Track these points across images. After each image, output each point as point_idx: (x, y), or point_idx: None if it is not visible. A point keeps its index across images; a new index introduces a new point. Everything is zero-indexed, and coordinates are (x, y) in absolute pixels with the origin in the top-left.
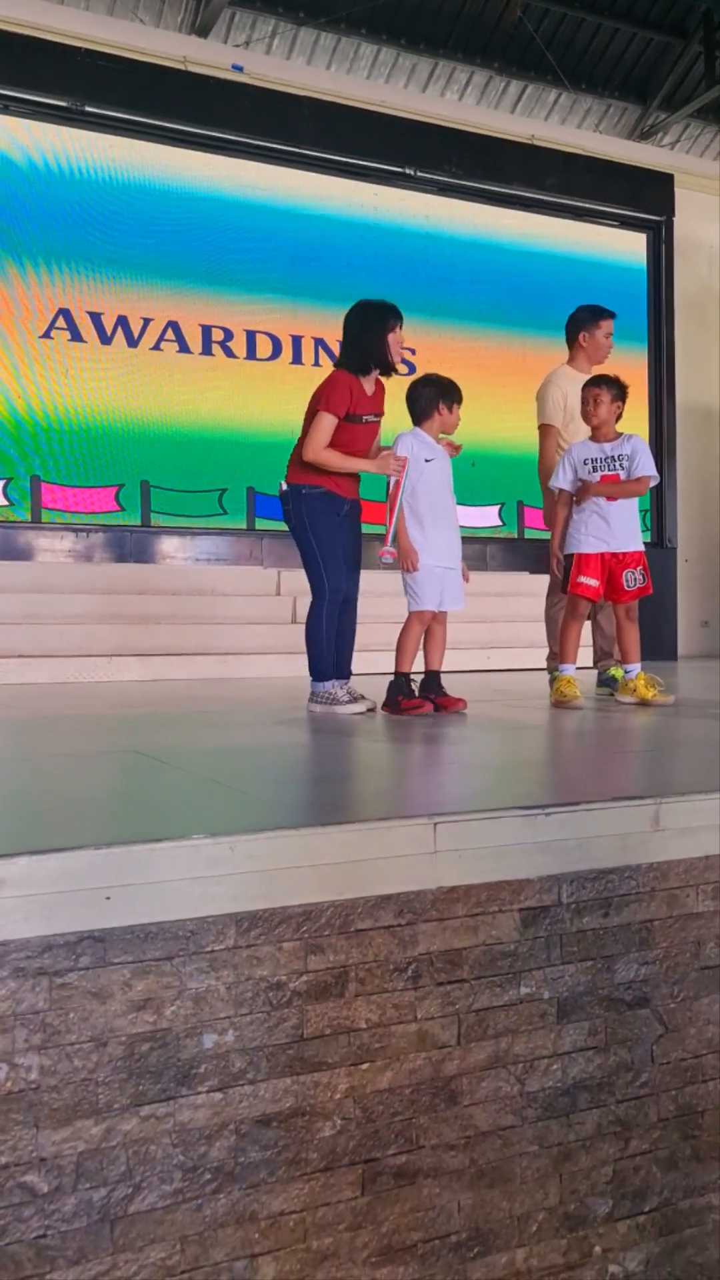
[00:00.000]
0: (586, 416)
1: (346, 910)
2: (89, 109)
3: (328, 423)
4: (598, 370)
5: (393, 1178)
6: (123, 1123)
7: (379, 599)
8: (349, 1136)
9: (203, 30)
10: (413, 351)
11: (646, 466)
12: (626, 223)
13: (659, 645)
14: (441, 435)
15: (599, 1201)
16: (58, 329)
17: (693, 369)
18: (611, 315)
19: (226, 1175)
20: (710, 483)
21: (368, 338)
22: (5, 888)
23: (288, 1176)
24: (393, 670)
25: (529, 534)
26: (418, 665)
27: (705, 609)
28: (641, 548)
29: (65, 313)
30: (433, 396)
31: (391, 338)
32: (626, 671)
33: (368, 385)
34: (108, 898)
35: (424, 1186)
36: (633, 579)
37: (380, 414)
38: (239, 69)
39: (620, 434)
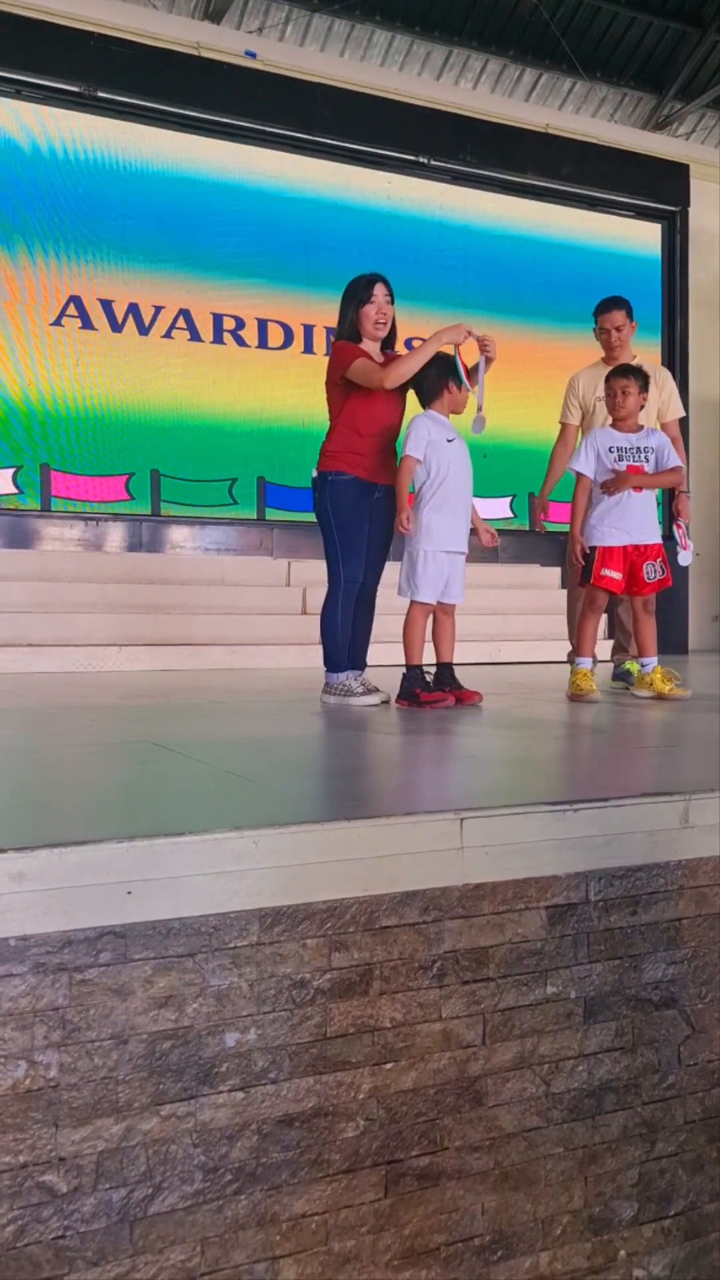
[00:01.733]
0: (614, 408)
1: (371, 907)
2: (101, 94)
3: (362, 364)
4: (617, 362)
5: (416, 1179)
6: (143, 1122)
7: (394, 588)
8: (372, 1137)
9: (216, 16)
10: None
11: (675, 458)
12: (641, 213)
13: (669, 639)
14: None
15: (624, 1205)
16: (69, 316)
17: (706, 360)
18: (614, 307)
19: (248, 1176)
20: None
21: (344, 312)
22: (25, 881)
23: (310, 1178)
24: (403, 663)
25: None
26: (428, 658)
27: (716, 603)
28: (660, 539)
29: (76, 300)
30: (439, 375)
31: (366, 309)
32: (643, 665)
33: (373, 355)
34: (129, 892)
35: (447, 1188)
36: (653, 571)
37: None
38: (252, 55)
39: (643, 426)
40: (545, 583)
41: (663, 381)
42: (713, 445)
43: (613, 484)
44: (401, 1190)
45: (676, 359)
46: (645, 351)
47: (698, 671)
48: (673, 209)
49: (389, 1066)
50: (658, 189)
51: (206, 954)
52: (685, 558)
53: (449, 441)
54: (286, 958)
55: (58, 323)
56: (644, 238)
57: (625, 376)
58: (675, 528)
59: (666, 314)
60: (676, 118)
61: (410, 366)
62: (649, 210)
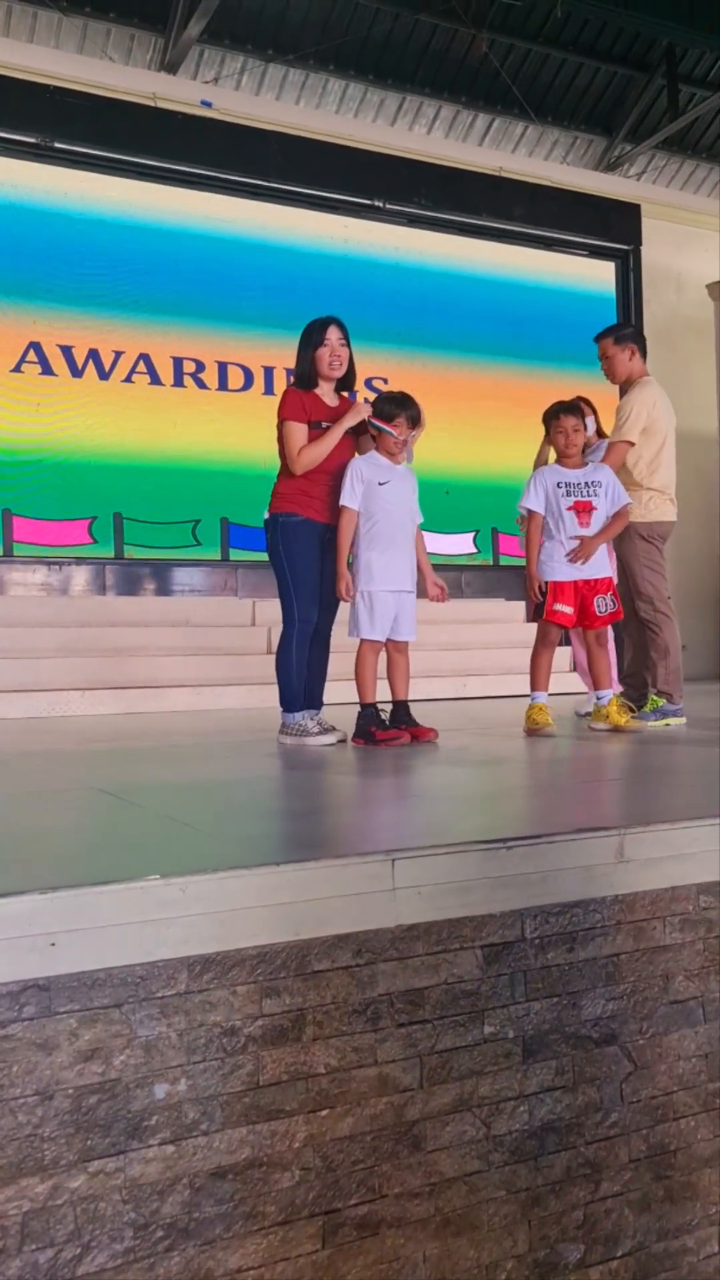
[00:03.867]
0: (566, 446)
1: (302, 951)
2: (58, 145)
3: (292, 430)
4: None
5: (355, 1229)
6: (70, 1180)
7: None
8: (308, 1187)
9: (171, 67)
10: (385, 381)
11: (623, 495)
12: (595, 252)
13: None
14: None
15: (570, 1247)
16: (29, 362)
17: None
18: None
19: (180, 1232)
20: (683, 508)
21: (300, 355)
22: None
23: (245, 1231)
24: (358, 702)
25: (504, 560)
26: (385, 696)
27: (684, 633)
28: (611, 574)
29: (36, 346)
30: (363, 426)
31: (320, 352)
32: (598, 698)
33: (326, 398)
34: (53, 944)
35: (387, 1237)
36: (604, 604)
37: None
38: (208, 105)
39: (587, 461)
40: (510, 617)
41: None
42: None
43: (577, 553)
44: (340, 1240)
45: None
46: (603, 387)
47: None
48: (625, 248)
49: (324, 1113)
50: (610, 228)
51: (134, 1004)
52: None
53: (380, 484)
54: (216, 1005)
55: (17, 369)
56: (598, 276)
57: (573, 415)
58: None
59: None
60: (627, 159)
61: (321, 451)
62: (602, 249)
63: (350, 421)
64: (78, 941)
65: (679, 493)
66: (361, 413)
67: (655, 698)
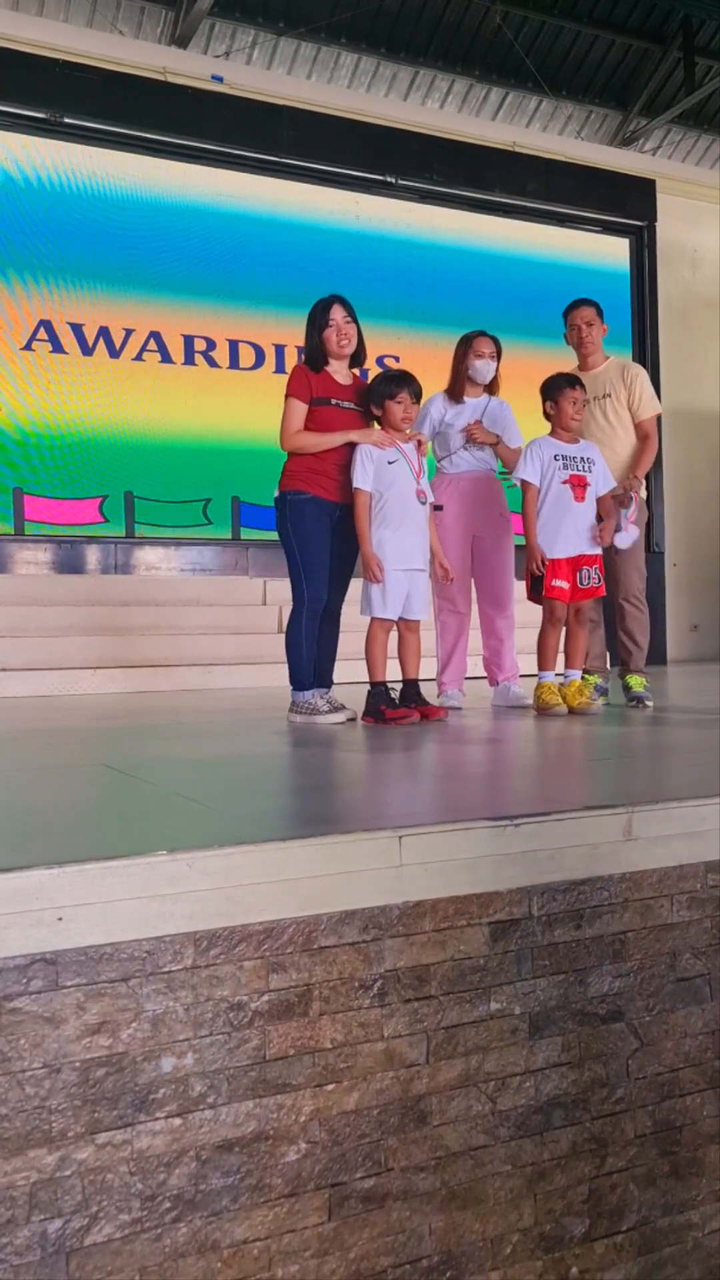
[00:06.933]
0: (574, 416)
1: (309, 927)
2: (68, 120)
3: (291, 407)
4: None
5: (361, 1201)
6: (78, 1151)
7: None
8: (315, 1160)
9: (182, 41)
10: (396, 359)
11: (610, 480)
12: (609, 228)
13: (649, 650)
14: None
15: (575, 1221)
16: (39, 340)
17: (676, 373)
18: (583, 304)
19: (187, 1203)
20: (696, 487)
21: (308, 337)
22: None
23: (251, 1203)
24: (368, 680)
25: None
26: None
27: (694, 613)
28: (600, 551)
29: (46, 324)
30: (377, 405)
31: (327, 333)
32: (564, 676)
33: (338, 376)
34: (60, 918)
35: (393, 1210)
36: (588, 576)
37: (358, 405)
38: (219, 79)
39: (579, 439)
40: (514, 595)
41: (631, 380)
42: (687, 454)
43: (600, 537)
44: (346, 1213)
45: (647, 371)
46: None
47: (674, 682)
48: (640, 224)
49: (330, 1088)
50: (625, 204)
51: (140, 979)
52: (624, 539)
53: (390, 463)
54: (223, 980)
55: (28, 347)
56: (612, 252)
57: (578, 387)
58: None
59: (636, 327)
60: (642, 134)
61: (313, 442)
62: (617, 225)
63: (356, 438)
64: (85, 916)
65: (694, 471)
66: (370, 437)
67: (640, 678)
